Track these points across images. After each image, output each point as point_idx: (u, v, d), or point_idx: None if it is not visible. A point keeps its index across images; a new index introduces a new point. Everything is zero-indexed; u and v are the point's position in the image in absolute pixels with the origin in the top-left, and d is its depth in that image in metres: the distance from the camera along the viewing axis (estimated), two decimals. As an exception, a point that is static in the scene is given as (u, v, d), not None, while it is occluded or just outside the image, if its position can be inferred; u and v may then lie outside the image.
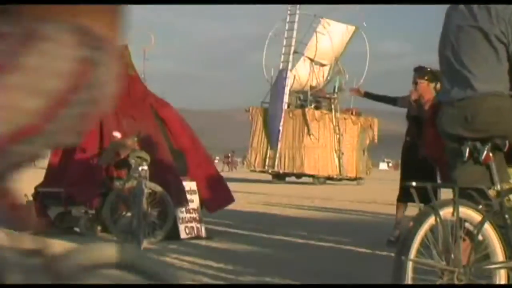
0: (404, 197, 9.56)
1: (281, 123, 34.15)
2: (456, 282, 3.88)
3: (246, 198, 19.29)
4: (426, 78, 9.36)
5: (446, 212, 3.92)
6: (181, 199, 9.58)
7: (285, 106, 34.47)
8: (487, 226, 4.04)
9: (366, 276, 6.85)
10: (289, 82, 34.94)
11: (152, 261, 2.03)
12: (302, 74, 35.78)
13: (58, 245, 6.81)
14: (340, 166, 34.83)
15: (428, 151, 8.18)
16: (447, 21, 4.51)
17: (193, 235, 9.65)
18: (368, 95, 10.44)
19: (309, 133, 34.02)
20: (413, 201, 9.80)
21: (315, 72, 36.06)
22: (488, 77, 4.26)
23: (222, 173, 11.80)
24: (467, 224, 4.01)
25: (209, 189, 10.37)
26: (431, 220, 3.88)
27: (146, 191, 8.68)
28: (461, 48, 4.36)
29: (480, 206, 4.11)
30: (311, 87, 35.60)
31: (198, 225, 9.80)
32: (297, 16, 36.21)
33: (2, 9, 1.40)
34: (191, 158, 10.51)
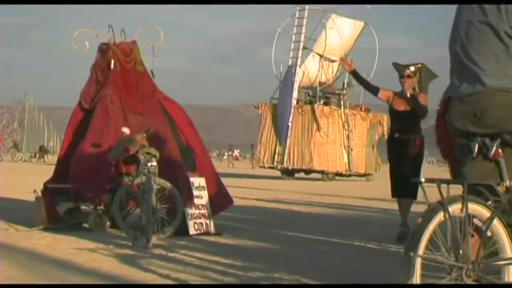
0: (392, 192, 9.71)
1: (290, 119, 34.08)
2: (464, 278, 3.87)
3: (255, 194, 19.29)
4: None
5: (455, 208, 3.91)
6: (188, 198, 9.57)
7: (294, 102, 34.39)
8: (496, 222, 4.03)
9: (375, 272, 6.85)
10: (298, 78, 34.88)
11: None
12: (311, 70, 35.69)
13: (67, 241, 6.91)
14: (349, 162, 34.74)
15: (439, 147, 8.19)
16: (458, 16, 4.49)
17: (202, 231, 9.65)
18: (355, 74, 10.42)
19: (318, 129, 33.95)
20: (405, 196, 9.87)
21: (324, 68, 35.97)
22: (497, 73, 4.24)
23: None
24: (475, 220, 4.00)
25: (211, 190, 10.28)
26: (440, 216, 3.87)
27: (155, 187, 8.68)
28: (470, 44, 4.35)
29: (489, 202, 4.09)
30: (320, 83, 35.50)
31: (207, 221, 9.80)
32: (306, 12, 36.12)
33: None
34: (199, 156, 10.50)
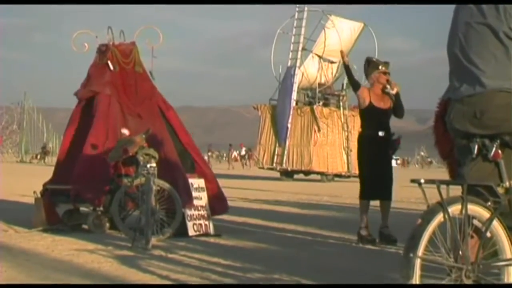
0: (366, 194, 9.45)
1: (290, 120, 34.09)
2: (464, 279, 3.87)
3: (254, 195, 19.29)
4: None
5: (454, 209, 3.91)
6: (187, 199, 9.56)
7: (293, 103, 34.42)
8: (496, 223, 4.03)
9: (374, 273, 6.85)
10: (297, 79, 34.89)
11: None
12: (310, 71, 35.70)
13: (66, 242, 6.91)
14: (349, 163, 34.76)
15: (437, 148, 8.18)
16: (456, 18, 4.49)
17: (201, 232, 9.65)
18: (347, 67, 10.13)
19: (317, 130, 33.97)
20: (374, 198, 9.61)
21: (324, 69, 35.99)
22: (497, 74, 4.24)
23: None
24: (475, 221, 4.00)
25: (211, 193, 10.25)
26: (439, 217, 3.87)
27: (154, 188, 8.68)
28: (469, 45, 4.35)
29: (489, 203, 4.09)
30: (320, 84, 35.53)
31: (206, 222, 9.80)
32: (305, 13, 36.13)
33: None
34: (196, 161, 10.52)
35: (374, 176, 9.35)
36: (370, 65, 9.56)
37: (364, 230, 9.24)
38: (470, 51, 4.33)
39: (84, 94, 10.43)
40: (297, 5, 36.16)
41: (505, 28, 4.22)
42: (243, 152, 67.60)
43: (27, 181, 20.23)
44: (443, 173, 9.26)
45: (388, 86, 9.41)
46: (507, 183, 4.20)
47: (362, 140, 9.53)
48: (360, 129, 9.71)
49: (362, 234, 9.22)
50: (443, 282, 3.88)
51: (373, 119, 9.42)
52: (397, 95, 9.43)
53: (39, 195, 10.21)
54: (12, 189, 17.74)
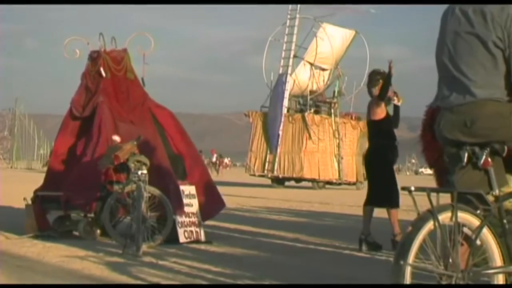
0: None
1: (281, 128, 34.13)
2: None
3: (245, 202, 19.28)
4: None
5: (444, 217, 3.93)
6: (178, 205, 9.57)
7: (284, 111, 34.46)
8: (485, 231, 4.04)
9: (366, 280, 6.86)
10: (288, 86, 34.95)
11: None
12: (302, 79, 35.76)
13: (57, 249, 6.92)
14: (340, 170, 34.81)
15: (425, 156, 8.20)
16: (443, 27, 4.52)
17: (192, 239, 9.65)
18: (396, 107, 9.73)
19: (308, 138, 34.00)
20: (379, 205, 9.62)
21: (315, 76, 36.05)
22: (486, 83, 4.27)
23: None
24: (465, 229, 4.02)
25: (203, 195, 10.27)
26: (429, 225, 3.88)
27: (145, 195, 8.68)
28: (458, 55, 4.37)
29: (479, 211, 4.11)
30: (311, 92, 35.59)
31: (197, 229, 9.79)
32: (297, 20, 36.21)
33: None
34: (188, 163, 10.52)
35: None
36: (384, 76, 9.47)
37: (369, 237, 9.29)
38: (459, 61, 4.36)
39: (88, 112, 10.38)
40: (289, 13, 36.24)
41: (494, 38, 4.25)
42: (214, 159, 67.82)
43: (19, 187, 20.15)
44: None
45: (395, 98, 9.47)
46: (497, 191, 4.22)
47: (383, 149, 9.45)
48: (379, 140, 9.50)
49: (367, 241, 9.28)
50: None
51: (391, 129, 9.55)
52: (398, 106, 9.51)
53: (29, 202, 10.19)
54: (4, 195, 17.68)
